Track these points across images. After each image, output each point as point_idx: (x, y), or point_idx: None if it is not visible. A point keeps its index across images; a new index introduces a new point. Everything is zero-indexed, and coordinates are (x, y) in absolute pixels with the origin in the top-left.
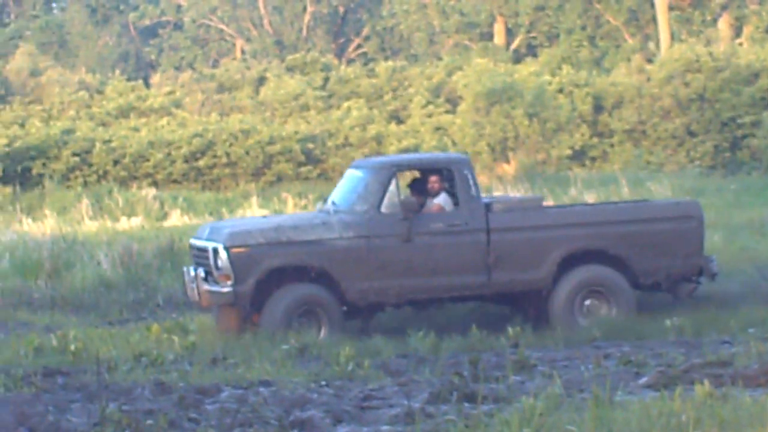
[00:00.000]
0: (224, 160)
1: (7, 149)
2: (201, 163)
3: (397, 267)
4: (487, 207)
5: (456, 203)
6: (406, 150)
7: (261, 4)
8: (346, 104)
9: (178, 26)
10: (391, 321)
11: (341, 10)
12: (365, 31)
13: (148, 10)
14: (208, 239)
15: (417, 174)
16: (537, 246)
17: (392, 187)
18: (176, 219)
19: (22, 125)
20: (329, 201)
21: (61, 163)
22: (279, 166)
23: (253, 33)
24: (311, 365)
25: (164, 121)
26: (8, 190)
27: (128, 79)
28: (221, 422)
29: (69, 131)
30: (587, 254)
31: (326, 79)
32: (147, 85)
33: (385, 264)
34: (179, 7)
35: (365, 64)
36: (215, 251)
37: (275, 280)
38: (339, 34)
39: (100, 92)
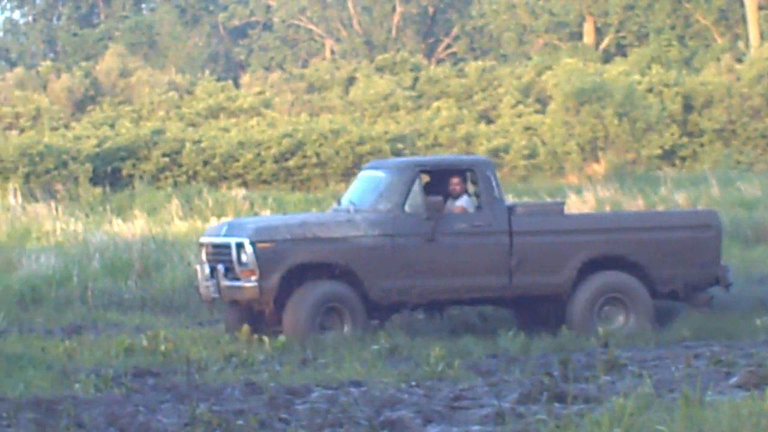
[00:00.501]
0: (314, 160)
1: (97, 150)
2: (291, 163)
3: (420, 267)
4: (510, 210)
5: (477, 206)
6: (495, 150)
7: (350, 5)
8: (435, 104)
9: (267, 26)
10: (480, 321)
11: (431, 10)
12: (455, 31)
13: (238, 10)
14: (227, 235)
15: (428, 177)
16: (558, 250)
17: (416, 187)
18: None
19: (112, 126)
20: (344, 201)
21: (150, 164)
22: None
23: (343, 33)
24: (401, 365)
25: (254, 121)
26: (98, 190)
27: (218, 80)
28: (311, 422)
29: (159, 132)
30: (607, 260)
31: (416, 79)
32: (237, 85)
33: (409, 263)
34: (269, 7)
35: (455, 63)
36: (239, 246)
37: (297, 277)
38: (428, 34)
39: (189, 93)
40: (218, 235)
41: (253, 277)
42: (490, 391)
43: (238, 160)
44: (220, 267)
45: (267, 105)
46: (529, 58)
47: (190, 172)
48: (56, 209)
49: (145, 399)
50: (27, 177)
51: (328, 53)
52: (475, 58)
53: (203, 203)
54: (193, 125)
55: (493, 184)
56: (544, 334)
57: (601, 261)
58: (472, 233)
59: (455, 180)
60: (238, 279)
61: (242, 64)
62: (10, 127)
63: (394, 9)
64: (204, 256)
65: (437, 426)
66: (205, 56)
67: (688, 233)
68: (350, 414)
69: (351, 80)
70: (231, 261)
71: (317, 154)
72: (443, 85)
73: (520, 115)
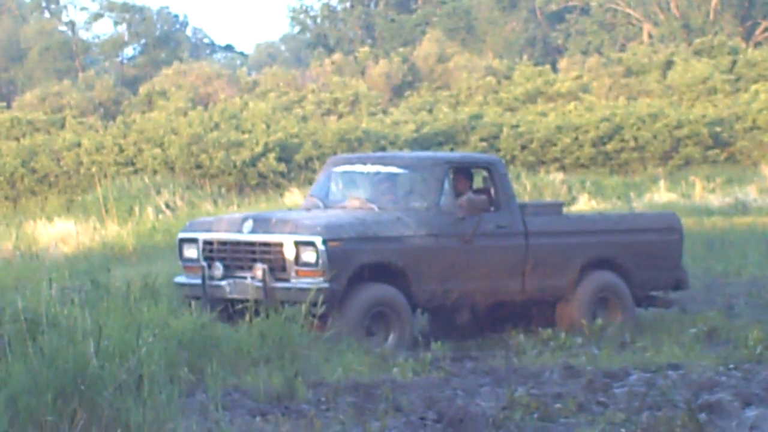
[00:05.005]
0: (632, 144)
1: (415, 135)
2: (609, 147)
3: (458, 268)
4: (522, 209)
5: (491, 206)
6: None
7: None
8: (753, 87)
9: (585, 11)
10: None
11: None
12: None
13: None
14: (261, 232)
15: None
16: (565, 251)
17: (446, 184)
18: (583, 203)
19: (430, 111)
20: (319, 195)
21: (469, 148)
22: (687, 150)
23: (660, 17)
24: (720, 348)
25: (571, 105)
26: None
27: (535, 64)
28: (629, 406)
29: (477, 116)
30: (601, 262)
31: (734, 63)
32: (554, 70)
33: (451, 265)
34: None
35: None
36: (303, 244)
37: (358, 279)
38: (746, 17)
39: (507, 77)
40: (239, 232)
41: (322, 278)
42: None
43: (555, 145)
44: (261, 266)
45: (585, 89)
46: None
47: (508, 157)
48: None
49: (463, 383)
50: None
51: (645, 37)
52: None
53: (521, 187)
54: (511, 110)
55: (509, 182)
56: None
57: (597, 262)
58: (498, 234)
59: (462, 177)
60: (286, 280)
61: (559, 49)
62: (328, 112)
63: None
64: (198, 253)
65: (756, 409)
66: (522, 41)
67: (656, 236)
68: (668, 397)
69: (669, 64)
70: (279, 260)
71: (635, 138)
72: (761, 68)
73: None
